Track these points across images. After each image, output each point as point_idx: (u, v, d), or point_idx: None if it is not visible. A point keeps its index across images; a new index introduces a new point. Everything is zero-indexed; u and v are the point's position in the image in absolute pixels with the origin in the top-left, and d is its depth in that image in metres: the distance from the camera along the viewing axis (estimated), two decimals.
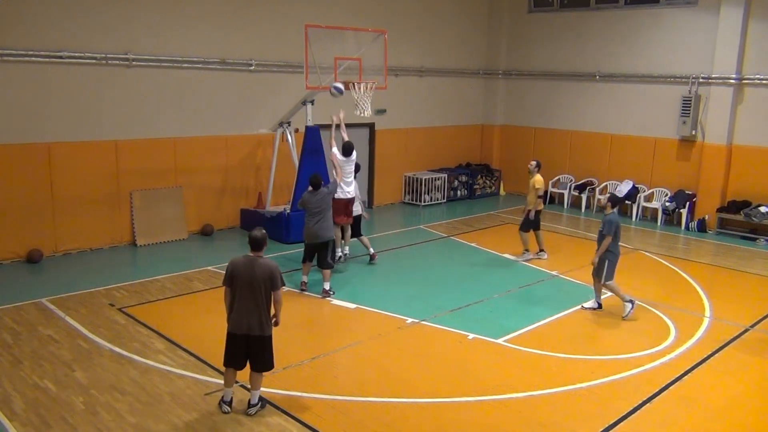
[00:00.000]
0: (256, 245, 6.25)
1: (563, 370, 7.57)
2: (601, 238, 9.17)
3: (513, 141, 18.83)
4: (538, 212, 11.81)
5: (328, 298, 9.66)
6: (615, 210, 9.26)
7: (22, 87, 10.82)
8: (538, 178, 11.60)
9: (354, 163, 11.03)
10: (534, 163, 11.82)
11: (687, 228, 14.96)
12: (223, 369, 6.49)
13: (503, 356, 7.90)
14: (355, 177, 11.09)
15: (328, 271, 9.86)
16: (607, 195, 9.43)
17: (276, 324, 6.40)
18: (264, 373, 6.42)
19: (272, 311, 6.37)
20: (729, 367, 7.77)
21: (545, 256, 12.01)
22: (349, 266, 11.20)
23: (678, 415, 6.62)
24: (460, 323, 8.81)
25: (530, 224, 11.87)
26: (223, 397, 6.44)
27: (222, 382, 6.57)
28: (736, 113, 14.53)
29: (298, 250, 12.04)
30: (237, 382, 6.56)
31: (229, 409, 6.35)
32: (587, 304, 9.56)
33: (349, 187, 10.76)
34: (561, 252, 12.58)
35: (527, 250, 12.00)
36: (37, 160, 11.07)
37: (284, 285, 6.44)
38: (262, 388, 6.46)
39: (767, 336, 8.79)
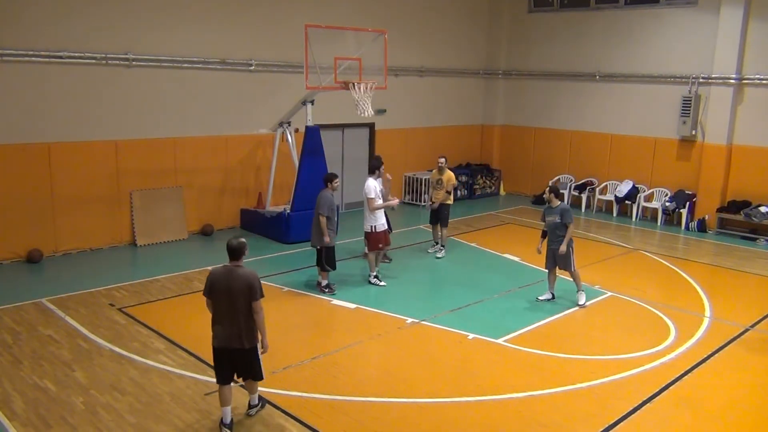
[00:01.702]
0: (232, 254, 5.90)
1: (563, 370, 7.56)
2: (563, 228, 9.29)
3: (513, 141, 18.83)
4: (448, 206, 11.97)
5: (327, 298, 9.66)
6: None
7: (22, 87, 10.82)
8: (451, 175, 11.90)
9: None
10: (443, 159, 12.01)
11: (687, 228, 14.96)
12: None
13: (503, 356, 7.90)
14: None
15: (325, 273, 9.94)
16: (548, 188, 9.59)
17: (264, 349, 6.00)
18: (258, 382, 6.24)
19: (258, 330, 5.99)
20: (729, 367, 7.76)
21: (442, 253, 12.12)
22: (349, 266, 11.19)
23: (678, 415, 6.61)
24: (460, 323, 8.80)
25: (439, 217, 11.98)
26: (222, 419, 6.05)
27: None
28: (736, 113, 14.52)
29: (298, 250, 12.10)
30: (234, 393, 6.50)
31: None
32: (580, 300, 9.62)
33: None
34: None
35: (437, 242, 12.24)
36: (37, 160, 11.07)
37: (263, 296, 5.90)
38: (262, 388, 6.44)
39: (767, 336, 8.79)
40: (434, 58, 17.39)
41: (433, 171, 12.23)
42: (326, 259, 9.81)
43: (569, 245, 9.35)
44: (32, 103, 10.94)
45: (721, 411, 6.73)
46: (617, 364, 7.71)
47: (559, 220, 9.33)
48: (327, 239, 9.57)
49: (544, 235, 9.66)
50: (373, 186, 10.30)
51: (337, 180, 9.83)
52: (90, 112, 11.60)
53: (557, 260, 9.50)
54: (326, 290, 9.88)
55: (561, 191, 9.63)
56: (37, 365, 7.28)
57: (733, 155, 14.63)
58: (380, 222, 10.30)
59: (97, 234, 11.90)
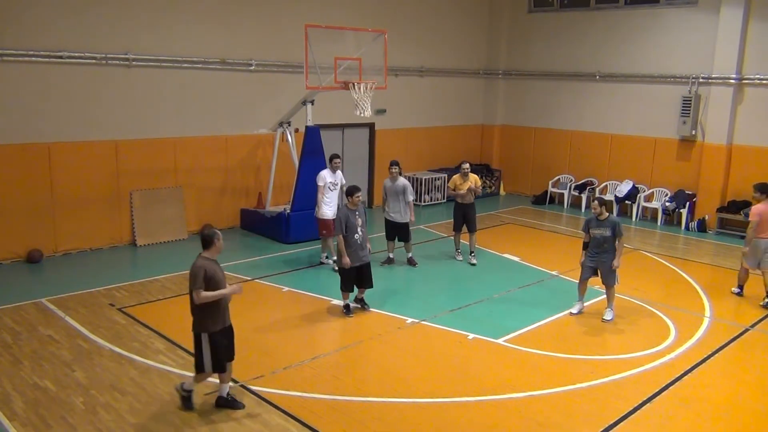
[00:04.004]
0: (201, 243, 6.25)
1: (563, 370, 7.56)
2: (610, 241, 8.86)
3: (513, 141, 18.83)
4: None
5: (327, 298, 9.63)
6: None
7: (22, 87, 10.82)
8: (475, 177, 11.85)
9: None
10: (468, 164, 11.85)
11: (687, 228, 14.96)
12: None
13: (503, 356, 7.90)
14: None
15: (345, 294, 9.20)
16: (597, 199, 9.11)
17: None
18: (201, 374, 6.34)
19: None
20: (729, 367, 7.77)
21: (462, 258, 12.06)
22: None
23: (678, 415, 6.61)
24: (460, 323, 8.80)
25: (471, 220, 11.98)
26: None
27: (220, 382, 6.52)
28: (736, 113, 14.52)
29: (298, 250, 12.11)
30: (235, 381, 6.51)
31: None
32: (607, 316, 9.12)
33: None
34: (561, 252, 12.58)
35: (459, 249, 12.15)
36: (37, 160, 11.07)
37: (199, 287, 5.93)
38: (262, 388, 6.42)
39: (767, 336, 8.79)
40: (434, 58, 17.39)
41: (456, 177, 11.78)
42: (341, 280, 9.06)
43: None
44: (32, 103, 10.94)
45: (721, 411, 6.73)
46: (617, 364, 7.71)
47: (609, 234, 8.87)
48: (344, 261, 8.78)
49: (585, 246, 9.10)
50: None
51: (358, 194, 8.92)
52: (90, 112, 11.60)
53: (603, 274, 9.00)
54: (344, 310, 9.12)
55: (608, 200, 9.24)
56: (37, 365, 7.28)
57: (733, 155, 14.63)
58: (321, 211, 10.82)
59: (97, 234, 11.90)
